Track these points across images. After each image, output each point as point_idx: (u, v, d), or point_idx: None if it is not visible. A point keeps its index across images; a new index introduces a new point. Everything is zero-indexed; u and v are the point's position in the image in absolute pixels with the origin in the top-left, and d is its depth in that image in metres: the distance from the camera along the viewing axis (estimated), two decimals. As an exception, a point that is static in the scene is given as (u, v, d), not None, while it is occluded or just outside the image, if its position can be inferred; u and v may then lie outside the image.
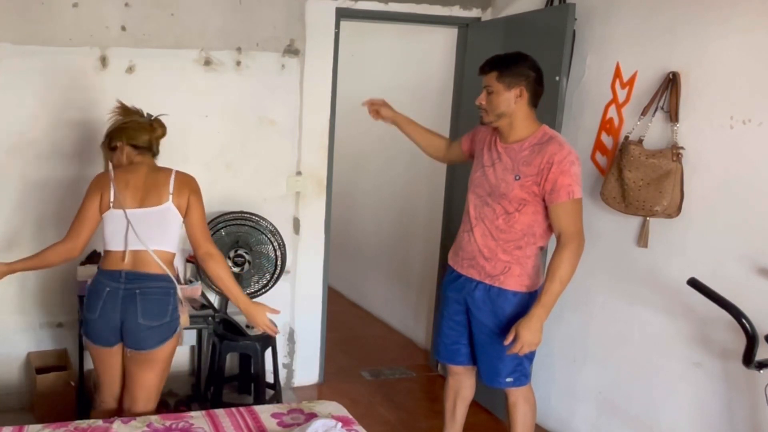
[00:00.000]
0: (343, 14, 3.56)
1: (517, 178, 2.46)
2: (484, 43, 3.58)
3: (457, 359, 2.79)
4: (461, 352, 2.77)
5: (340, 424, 2.25)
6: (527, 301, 2.55)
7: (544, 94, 2.56)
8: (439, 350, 2.84)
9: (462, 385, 2.85)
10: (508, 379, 2.64)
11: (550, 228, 2.52)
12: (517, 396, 2.68)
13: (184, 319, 2.58)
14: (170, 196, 2.48)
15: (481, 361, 2.70)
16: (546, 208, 2.47)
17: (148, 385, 2.55)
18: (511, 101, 2.47)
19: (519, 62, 2.49)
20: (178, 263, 3.46)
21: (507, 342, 2.46)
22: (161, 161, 2.69)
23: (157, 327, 2.45)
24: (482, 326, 2.64)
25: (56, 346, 3.43)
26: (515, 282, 2.54)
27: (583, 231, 2.47)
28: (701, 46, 2.56)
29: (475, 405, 3.06)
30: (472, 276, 2.62)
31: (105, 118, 3.24)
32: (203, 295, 3.34)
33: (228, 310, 3.49)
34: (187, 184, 2.54)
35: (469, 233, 2.62)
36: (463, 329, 2.72)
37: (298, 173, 3.65)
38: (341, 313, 5.04)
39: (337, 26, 3.57)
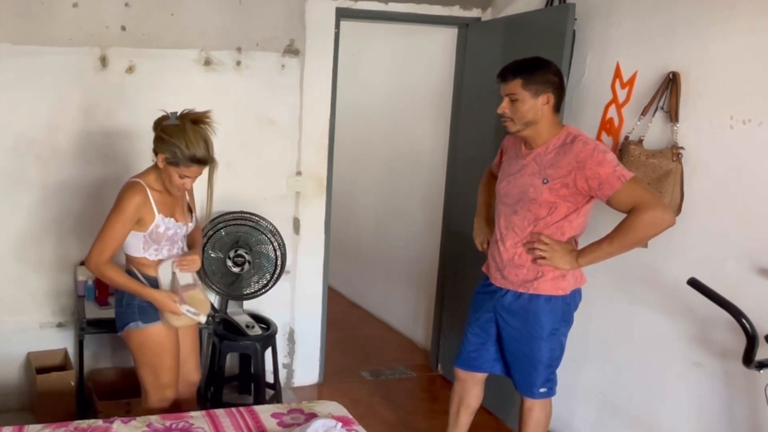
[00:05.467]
0: (343, 14, 3.56)
1: (545, 181, 2.41)
2: (484, 43, 3.59)
3: (473, 365, 2.75)
4: (482, 359, 2.72)
5: (340, 424, 2.25)
6: (562, 308, 2.51)
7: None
8: (459, 355, 2.78)
9: (466, 393, 2.81)
10: (542, 390, 2.61)
11: (581, 227, 2.48)
12: (533, 401, 2.64)
13: (169, 319, 2.53)
14: None
15: (516, 371, 2.65)
16: (576, 210, 2.42)
17: (137, 372, 2.66)
18: (538, 108, 2.40)
19: (544, 68, 2.42)
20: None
21: (535, 242, 2.43)
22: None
23: (116, 312, 2.62)
24: (513, 334, 2.58)
25: (56, 346, 3.43)
26: (551, 285, 2.48)
27: (663, 202, 2.33)
28: (701, 46, 2.56)
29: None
30: (503, 286, 2.58)
31: (105, 118, 3.29)
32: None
33: (228, 310, 3.49)
34: None
35: (499, 243, 2.58)
36: (488, 337, 2.68)
37: (298, 173, 3.65)
38: (341, 313, 5.05)
39: (337, 26, 3.57)
